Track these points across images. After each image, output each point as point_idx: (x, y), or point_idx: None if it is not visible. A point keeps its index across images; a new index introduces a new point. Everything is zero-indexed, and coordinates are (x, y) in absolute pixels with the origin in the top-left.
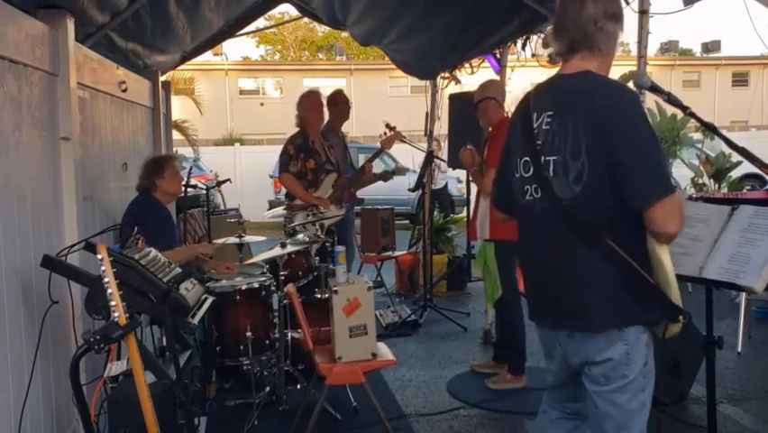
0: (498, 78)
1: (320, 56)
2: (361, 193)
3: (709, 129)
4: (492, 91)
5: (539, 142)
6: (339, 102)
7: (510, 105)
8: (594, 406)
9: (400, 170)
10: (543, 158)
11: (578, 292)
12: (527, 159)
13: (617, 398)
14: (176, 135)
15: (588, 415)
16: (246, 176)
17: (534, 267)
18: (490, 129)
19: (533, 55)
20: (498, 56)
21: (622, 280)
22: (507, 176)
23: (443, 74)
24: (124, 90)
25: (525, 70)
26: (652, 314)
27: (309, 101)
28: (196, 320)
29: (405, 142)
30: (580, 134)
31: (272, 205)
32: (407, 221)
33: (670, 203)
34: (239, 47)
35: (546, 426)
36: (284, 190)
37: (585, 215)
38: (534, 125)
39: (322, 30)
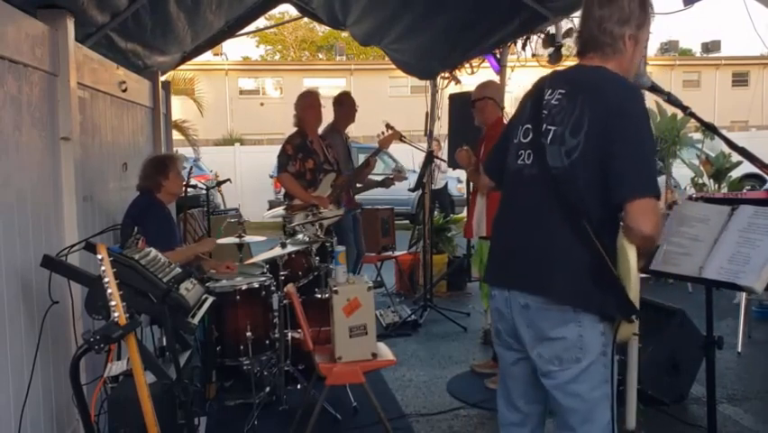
0: (498, 77)
1: (320, 56)
2: (360, 194)
3: (709, 129)
4: (490, 91)
5: (545, 112)
6: (345, 103)
7: (510, 105)
8: (557, 403)
9: (400, 177)
10: (544, 126)
11: (546, 260)
12: (529, 126)
13: (577, 388)
14: (176, 135)
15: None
16: (246, 176)
17: (509, 231)
18: (486, 129)
19: (533, 55)
20: (498, 56)
21: (588, 264)
22: (505, 144)
23: (443, 74)
24: (124, 90)
25: (525, 70)
26: (607, 306)
27: (307, 101)
28: (196, 320)
29: (405, 142)
30: (585, 117)
31: (272, 205)
32: (407, 221)
33: (650, 204)
34: (239, 47)
35: None
36: (284, 190)
37: (568, 189)
38: (546, 98)
39: (322, 30)
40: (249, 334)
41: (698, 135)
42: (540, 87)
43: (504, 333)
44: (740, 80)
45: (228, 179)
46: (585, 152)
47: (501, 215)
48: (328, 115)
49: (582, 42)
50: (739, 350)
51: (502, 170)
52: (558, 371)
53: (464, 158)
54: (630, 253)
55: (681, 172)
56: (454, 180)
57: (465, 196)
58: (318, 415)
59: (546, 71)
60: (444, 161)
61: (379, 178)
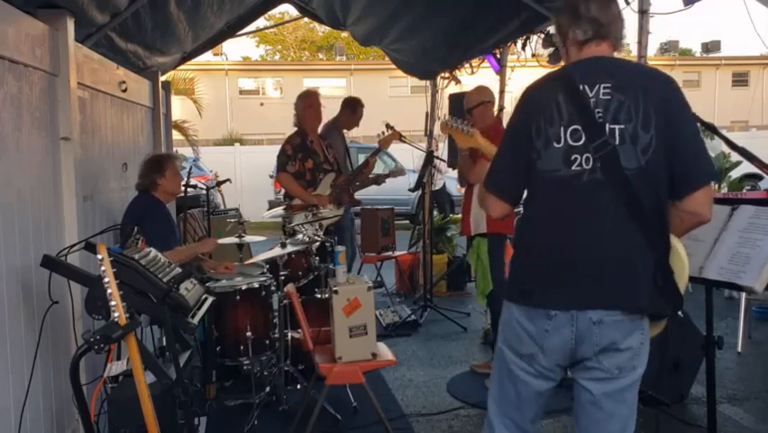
0: (498, 77)
1: (320, 56)
2: (360, 193)
3: (709, 129)
4: (488, 95)
5: (599, 111)
6: (356, 111)
7: (510, 105)
8: (597, 409)
9: (395, 173)
10: (607, 125)
11: (624, 271)
12: (578, 127)
13: (628, 395)
14: (176, 135)
15: (578, 422)
16: (246, 176)
17: (569, 244)
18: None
19: (533, 55)
20: (498, 56)
21: (653, 267)
22: (524, 155)
23: (442, 74)
24: (124, 90)
25: (525, 70)
26: (666, 307)
27: (307, 101)
28: (196, 320)
29: (405, 142)
30: (651, 109)
31: (272, 205)
32: (407, 221)
33: (711, 189)
34: (239, 47)
35: None
36: (284, 190)
37: (645, 189)
38: (591, 94)
39: (322, 30)
40: (249, 334)
41: None
42: (568, 84)
43: (545, 359)
44: (740, 80)
45: (228, 179)
46: (657, 146)
47: (551, 227)
48: (328, 115)
49: (596, 31)
50: (739, 350)
51: (522, 188)
52: (613, 379)
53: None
54: (680, 248)
55: None
56: (454, 180)
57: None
58: (318, 415)
59: (546, 71)
60: (444, 160)
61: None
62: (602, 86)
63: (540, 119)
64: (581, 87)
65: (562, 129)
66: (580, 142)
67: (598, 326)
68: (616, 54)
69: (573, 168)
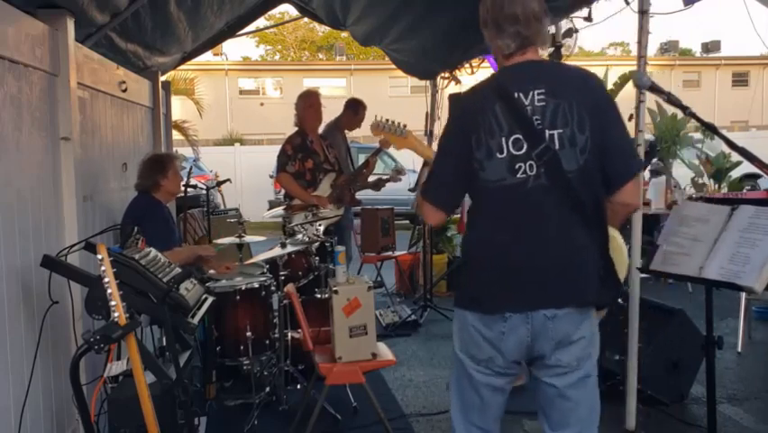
0: None
1: (320, 56)
2: (360, 193)
3: (709, 129)
4: None
5: (537, 117)
6: (359, 112)
7: None
8: (565, 400)
9: (395, 177)
10: (546, 132)
11: (573, 268)
12: (519, 136)
13: (589, 381)
14: (176, 135)
15: (546, 415)
16: (246, 176)
17: (518, 247)
18: None
19: None
20: None
21: (597, 260)
22: (461, 165)
23: (442, 74)
24: (124, 90)
25: None
26: (608, 296)
27: (307, 101)
28: (196, 320)
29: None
30: (584, 111)
31: (272, 205)
32: (407, 221)
33: (639, 179)
34: (239, 47)
35: None
36: (284, 190)
37: (585, 189)
38: (526, 102)
39: (322, 30)
40: (249, 334)
41: (698, 135)
42: (501, 93)
43: (504, 358)
44: (740, 80)
45: (228, 179)
46: (593, 146)
47: (500, 234)
48: (328, 115)
49: (522, 40)
50: (739, 350)
51: (460, 197)
52: (574, 371)
53: None
54: (618, 237)
55: (681, 172)
56: None
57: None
58: (318, 415)
59: None
60: None
61: (373, 179)
62: (536, 92)
63: (479, 131)
64: (516, 94)
65: (503, 139)
66: (523, 151)
67: (552, 320)
68: (541, 52)
69: (518, 176)
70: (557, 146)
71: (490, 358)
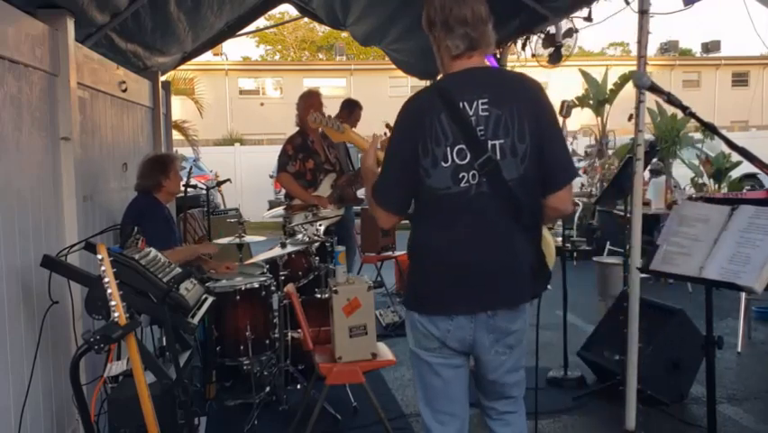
0: None
1: (320, 56)
2: (360, 193)
3: (709, 129)
4: None
5: (480, 128)
6: (354, 112)
7: None
8: (503, 385)
9: None
10: (488, 142)
11: (512, 271)
12: (462, 146)
13: (519, 364)
14: (176, 135)
15: (482, 389)
16: (246, 176)
17: (461, 252)
18: None
19: (533, 55)
20: (498, 56)
21: (531, 260)
22: (409, 172)
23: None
24: (124, 90)
25: (525, 70)
26: (540, 287)
27: (308, 101)
28: (196, 320)
29: None
30: (524, 121)
31: (272, 205)
32: (407, 221)
33: (571, 187)
34: (239, 47)
35: None
36: (284, 190)
37: (524, 196)
38: (471, 112)
39: (322, 30)
40: (249, 334)
41: (698, 135)
42: (447, 102)
43: (452, 345)
44: (740, 80)
45: (228, 179)
46: (532, 153)
47: (444, 240)
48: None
49: (470, 41)
50: (739, 350)
51: (409, 201)
52: (508, 357)
53: None
54: (547, 234)
55: (681, 172)
56: None
57: None
58: (318, 415)
59: (546, 71)
60: None
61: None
62: (480, 102)
63: (426, 139)
64: (461, 104)
65: (448, 149)
66: (466, 161)
67: (492, 318)
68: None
69: (462, 185)
70: (498, 156)
71: (440, 347)
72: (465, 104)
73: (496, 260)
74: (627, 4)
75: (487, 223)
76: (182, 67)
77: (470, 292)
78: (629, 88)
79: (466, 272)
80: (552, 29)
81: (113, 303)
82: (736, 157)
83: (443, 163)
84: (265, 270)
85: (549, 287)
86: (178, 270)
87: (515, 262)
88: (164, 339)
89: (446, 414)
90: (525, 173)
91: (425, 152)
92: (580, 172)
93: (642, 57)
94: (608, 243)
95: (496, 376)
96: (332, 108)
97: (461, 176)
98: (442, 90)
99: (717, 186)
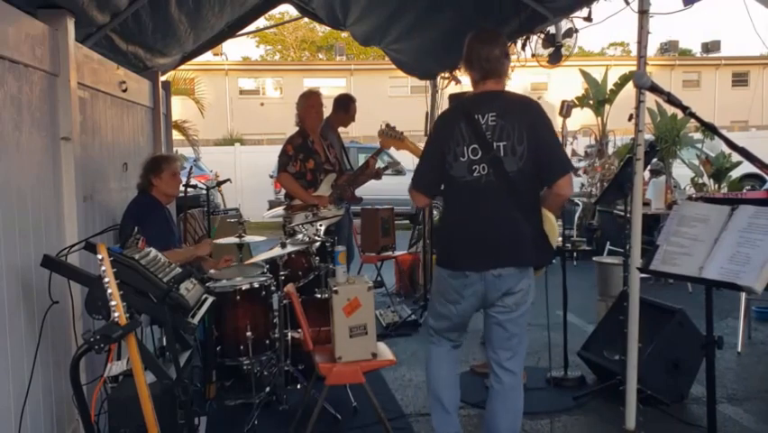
0: None
1: (320, 56)
2: (360, 193)
3: (709, 129)
4: None
5: (488, 134)
6: (349, 110)
7: None
8: (503, 330)
9: (393, 165)
10: (494, 144)
11: (513, 240)
12: (476, 146)
13: (523, 320)
14: (176, 135)
15: (490, 340)
16: (246, 176)
17: (474, 225)
18: None
19: (533, 55)
20: None
21: (530, 234)
22: (440, 163)
23: (442, 74)
24: (125, 90)
25: (525, 70)
26: (543, 258)
27: (309, 101)
28: (196, 320)
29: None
30: (523, 129)
31: (272, 205)
32: (407, 221)
33: (570, 175)
34: (239, 47)
35: (444, 354)
36: (284, 190)
37: (521, 185)
38: (482, 122)
39: (322, 30)
40: (249, 334)
41: (698, 135)
42: (466, 114)
43: (469, 300)
44: (740, 80)
45: (228, 179)
46: (529, 153)
47: (463, 216)
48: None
49: (484, 73)
50: (739, 350)
51: (437, 187)
52: (513, 311)
53: None
54: (551, 216)
55: (681, 172)
56: None
57: None
58: (318, 415)
59: (546, 71)
60: None
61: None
62: (490, 115)
63: (450, 141)
64: (476, 116)
65: (465, 148)
66: (478, 156)
67: (498, 278)
68: (500, 85)
69: (474, 174)
70: (502, 154)
71: (456, 300)
72: (479, 116)
73: (498, 231)
74: (627, 4)
75: (492, 203)
76: (182, 67)
77: (478, 255)
78: (629, 88)
79: (476, 240)
80: (552, 29)
81: (113, 303)
82: (736, 157)
83: (461, 158)
84: (265, 270)
85: (554, 261)
86: (178, 270)
87: (513, 232)
88: (164, 339)
89: (448, 340)
90: (523, 167)
91: (448, 150)
92: (580, 172)
93: (642, 57)
94: (608, 243)
95: (503, 319)
96: (331, 108)
97: (474, 168)
98: (463, 106)
99: (717, 186)
